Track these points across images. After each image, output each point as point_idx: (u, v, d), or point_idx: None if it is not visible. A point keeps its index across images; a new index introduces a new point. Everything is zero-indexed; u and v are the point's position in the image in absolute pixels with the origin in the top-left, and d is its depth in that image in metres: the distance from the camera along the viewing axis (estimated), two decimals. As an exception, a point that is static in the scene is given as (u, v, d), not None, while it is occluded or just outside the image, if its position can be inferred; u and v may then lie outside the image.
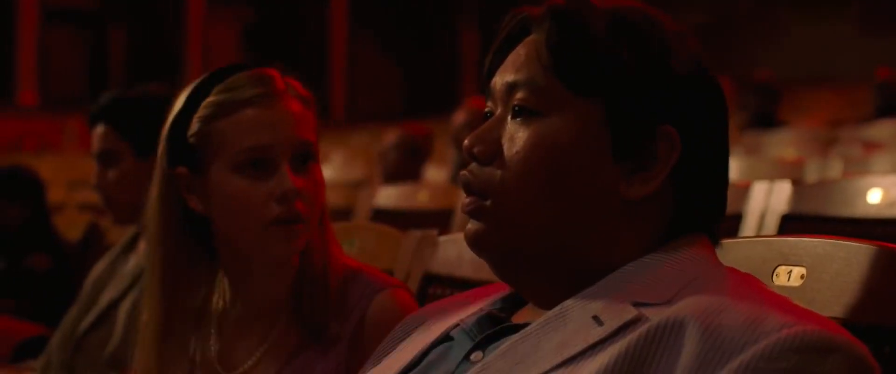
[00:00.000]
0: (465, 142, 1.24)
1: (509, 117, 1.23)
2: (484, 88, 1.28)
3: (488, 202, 1.21)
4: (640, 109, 1.18)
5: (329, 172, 7.32)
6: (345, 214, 4.32)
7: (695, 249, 1.19)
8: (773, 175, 3.50)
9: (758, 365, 1.00)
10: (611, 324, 1.10)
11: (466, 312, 1.30)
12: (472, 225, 1.23)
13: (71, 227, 4.09)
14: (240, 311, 1.76)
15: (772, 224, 2.54)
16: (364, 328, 1.70)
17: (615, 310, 1.12)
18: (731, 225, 2.60)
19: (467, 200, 1.23)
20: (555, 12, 1.22)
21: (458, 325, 1.27)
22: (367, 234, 2.26)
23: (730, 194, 2.72)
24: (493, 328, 1.22)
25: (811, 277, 1.33)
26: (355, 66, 18.82)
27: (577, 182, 1.19)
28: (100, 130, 2.65)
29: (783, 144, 6.25)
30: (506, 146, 1.21)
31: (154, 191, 1.74)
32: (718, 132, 1.22)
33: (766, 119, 8.07)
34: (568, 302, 1.16)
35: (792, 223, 2.51)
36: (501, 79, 1.24)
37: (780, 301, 1.10)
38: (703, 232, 1.23)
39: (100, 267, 2.79)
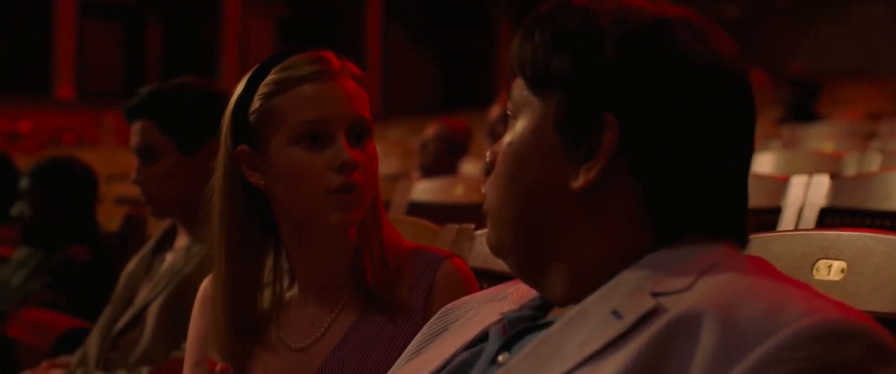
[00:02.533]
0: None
1: None
2: None
3: (484, 207, 1.29)
4: (578, 101, 1.20)
5: (364, 165, 7.32)
6: (381, 207, 4.32)
7: (712, 241, 1.18)
8: (811, 169, 3.47)
9: (778, 355, 0.99)
10: (630, 316, 1.10)
11: (504, 306, 1.32)
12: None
13: (109, 220, 4.10)
14: (301, 289, 1.83)
15: (810, 218, 2.53)
16: (433, 295, 1.78)
17: (634, 302, 1.11)
18: (770, 219, 2.59)
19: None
20: (526, 21, 1.27)
21: (496, 322, 1.28)
22: (404, 228, 2.26)
23: (768, 187, 2.73)
24: (520, 328, 1.23)
25: (851, 271, 1.32)
26: (390, 59, 18.85)
27: (531, 178, 1.22)
28: (141, 124, 2.61)
29: (821, 137, 6.21)
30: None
31: (218, 171, 1.81)
32: (689, 121, 1.19)
33: (804, 113, 8.03)
34: (588, 299, 1.16)
35: (830, 217, 2.50)
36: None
37: (798, 289, 1.08)
38: (725, 230, 1.21)
39: (133, 263, 2.79)
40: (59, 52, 16.33)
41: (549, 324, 1.19)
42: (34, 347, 3.14)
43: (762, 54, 15.11)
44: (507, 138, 1.25)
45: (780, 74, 11.60)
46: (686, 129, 1.18)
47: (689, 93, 1.18)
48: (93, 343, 2.69)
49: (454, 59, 19.45)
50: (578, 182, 1.19)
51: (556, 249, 1.21)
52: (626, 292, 1.14)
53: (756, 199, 2.74)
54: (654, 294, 1.11)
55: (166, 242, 2.77)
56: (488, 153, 1.30)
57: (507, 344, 1.21)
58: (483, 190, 1.29)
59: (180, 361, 2.14)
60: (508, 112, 1.27)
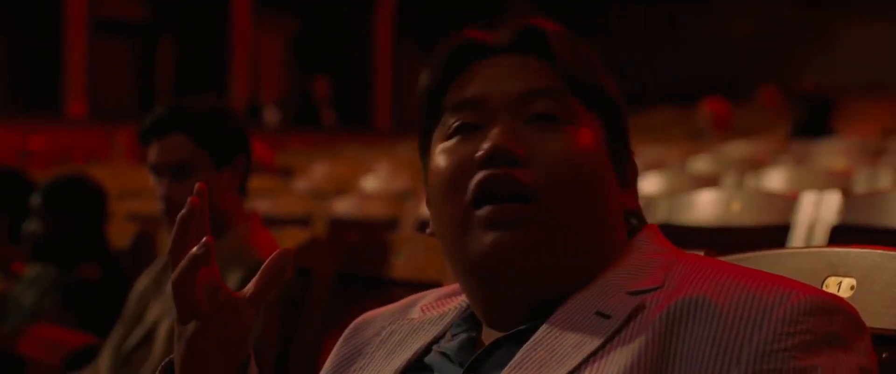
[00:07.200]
0: (495, 143, 1.21)
1: (522, 124, 1.24)
2: (452, 104, 1.33)
3: (536, 206, 1.20)
4: (622, 127, 1.30)
5: (374, 182, 7.32)
6: (390, 225, 4.32)
7: (652, 237, 1.27)
8: (821, 185, 3.47)
9: (784, 330, 1.07)
10: (617, 316, 1.15)
11: (413, 326, 1.32)
12: (506, 234, 1.19)
13: (119, 237, 4.12)
14: None
15: (821, 235, 2.52)
16: None
17: (614, 302, 1.16)
18: (780, 236, 2.59)
19: (502, 207, 1.19)
20: (553, 34, 1.28)
21: (429, 350, 1.28)
22: (415, 246, 2.27)
23: (778, 204, 2.71)
24: (480, 351, 1.21)
25: (861, 288, 1.32)
26: (401, 75, 18.86)
27: (605, 188, 1.24)
28: (173, 139, 2.58)
29: (832, 153, 6.19)
30: (540, 150, 1.21)
31: None
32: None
33: (819, 127, 8.02)
34: (560, 310, 1.19)
35: (841, 235, 2.49)
36: (506, 88, 1.26)
37: (761, 273, 1.16)
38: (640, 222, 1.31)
39: (143, 282, 2.79)
40: (70, 70, 16.36)
41: (517, 337, 1.19)
42: (45, 363, 3.15)
43: (773, 71, 15.10)
44: (570, 142, 1.22)
45: (791, 90, 11.56)
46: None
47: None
48: (104, 361, 2.70)
49: (464, 77, 19.43)
50: (631, 204, 1.29)
51: (598, 257, 1.23)
52: (598, 296, 1.18)
53: (766, 216, 2.74)
54: (631, 293, 1.17)
55: (177, 259, 2.78)
56: (508, 141, 1.21)
57: (471, 368, 1.20)
58: (498, 183, 1.20)
59: None
60: (538, 113, 1.24)
